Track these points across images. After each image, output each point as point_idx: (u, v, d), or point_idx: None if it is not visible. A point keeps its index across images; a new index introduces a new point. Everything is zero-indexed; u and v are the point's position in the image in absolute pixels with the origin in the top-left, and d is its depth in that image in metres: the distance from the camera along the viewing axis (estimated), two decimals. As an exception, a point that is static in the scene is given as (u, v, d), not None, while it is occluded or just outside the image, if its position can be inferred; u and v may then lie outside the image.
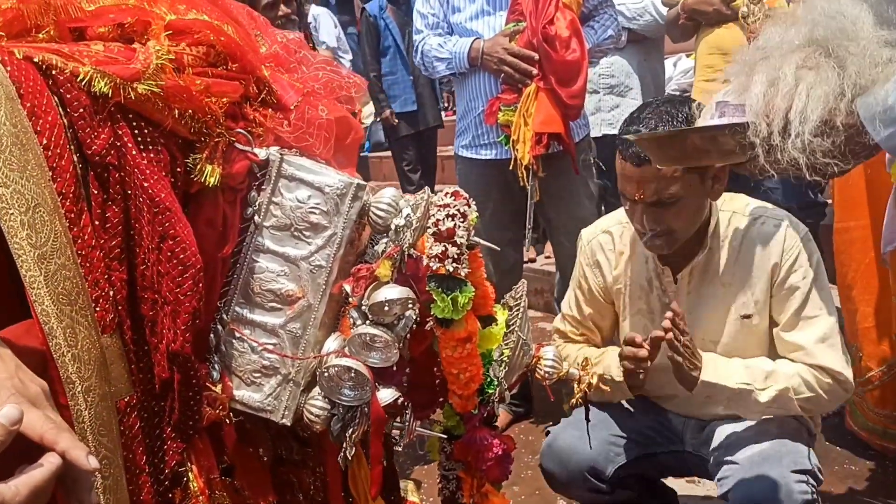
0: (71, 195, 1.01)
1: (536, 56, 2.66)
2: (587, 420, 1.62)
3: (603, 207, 3.71)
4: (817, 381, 1.80)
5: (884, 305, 2.42)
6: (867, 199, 2.39)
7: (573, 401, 1.46)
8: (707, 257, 1.89)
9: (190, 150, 1.17)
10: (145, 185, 1.09)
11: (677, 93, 5.36)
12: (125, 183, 1.08)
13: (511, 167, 2.76)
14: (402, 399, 1.24)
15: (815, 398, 1.80)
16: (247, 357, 1.24)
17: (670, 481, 2.36)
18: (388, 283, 1.21)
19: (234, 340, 1.23)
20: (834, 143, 1.11)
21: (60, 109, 1.03)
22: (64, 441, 0.80)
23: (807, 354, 1.81)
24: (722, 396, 1.83)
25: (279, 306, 1.23)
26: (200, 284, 1.12)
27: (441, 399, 1.40)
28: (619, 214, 2.03)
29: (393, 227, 1.23)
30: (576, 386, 1.44)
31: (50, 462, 0.78)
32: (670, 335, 1.71)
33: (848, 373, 1.81)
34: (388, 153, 7.06)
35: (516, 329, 1.32)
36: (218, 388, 1.21)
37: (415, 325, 1.26)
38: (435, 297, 1.23)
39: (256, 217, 1.22)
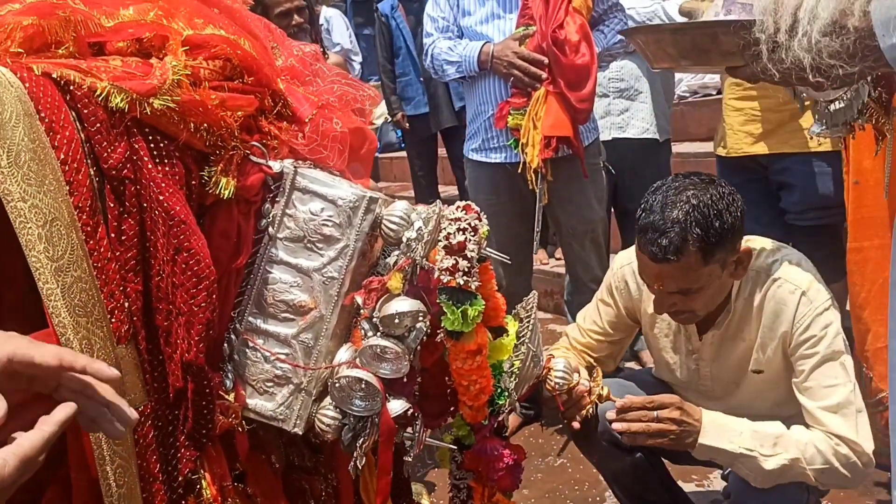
0: (87, 209, 1.03)
1: (546, 60, 2.65)
2: (595, 429, 1.61)
3: (612, 210, 3.69)
4: (833, 451, 1.72)
5: (896, 326, 2.38)
6: (882, 219, 2.36)
7: (584, 412, 1.45)
8: (730, 317, 1.87)
9: (205, 163, 1.18)
10: (160, 198, 1.10)
11: (687, 95, 5.29)
12: (141, 196, 1.10)
13: (520, 170, 2.75)
14: (412, 410, 1.24)
15: (829, 470, 1.72)
16: (260, 366, 1.25)
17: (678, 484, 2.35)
18: (399, 295, 1.22)
19: (247, 350, 1.25)
20: (842, 43, 1.06)
21: (78, 124, 1.05)
22: (82, 359, 0.81)
23: (817, 421, 1.76)
24: (725, 459, 1.78)
25: (292, 317, 1.24)
26: (214, 296, 1.13)
27: (452, 409, 1.40)
28: None
29: (405, 239, 1.23)
30: (586, 397, 1.43)
31: (42, 430, 0.78)
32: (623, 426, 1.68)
33: (865, 444, 1.73)
34: (400, 154, 6.99)
35: (527, 341, 1.32)
36: (231, 397, 1.22)
37: (425, 337, 1.26)
38: (445, 310, 1.24)
39: (270, 229, 1.23)
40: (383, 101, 5.58)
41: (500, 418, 1.34)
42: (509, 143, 2.83)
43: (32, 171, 0.96)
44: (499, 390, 1.31)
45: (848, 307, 2.46)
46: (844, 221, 2.62)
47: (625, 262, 2.05)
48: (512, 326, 1.38)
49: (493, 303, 1.33)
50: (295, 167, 1.23)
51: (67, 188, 1.01)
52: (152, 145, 1.11)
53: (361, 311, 1.25)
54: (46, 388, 0.81)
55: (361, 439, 1.24)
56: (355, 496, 1.44)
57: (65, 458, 1.07)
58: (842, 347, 1.74)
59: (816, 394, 1.74)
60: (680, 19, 3.24)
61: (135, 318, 1.10)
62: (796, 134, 2.84)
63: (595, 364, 2.06)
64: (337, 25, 6.03)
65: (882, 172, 2.03)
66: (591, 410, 1.46)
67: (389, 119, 6.05)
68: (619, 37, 2.92)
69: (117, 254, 1.08)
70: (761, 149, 2.91)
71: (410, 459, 1.29)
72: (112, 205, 1.08)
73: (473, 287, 1.23)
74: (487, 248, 1.30)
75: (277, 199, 1.23)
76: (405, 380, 1.26)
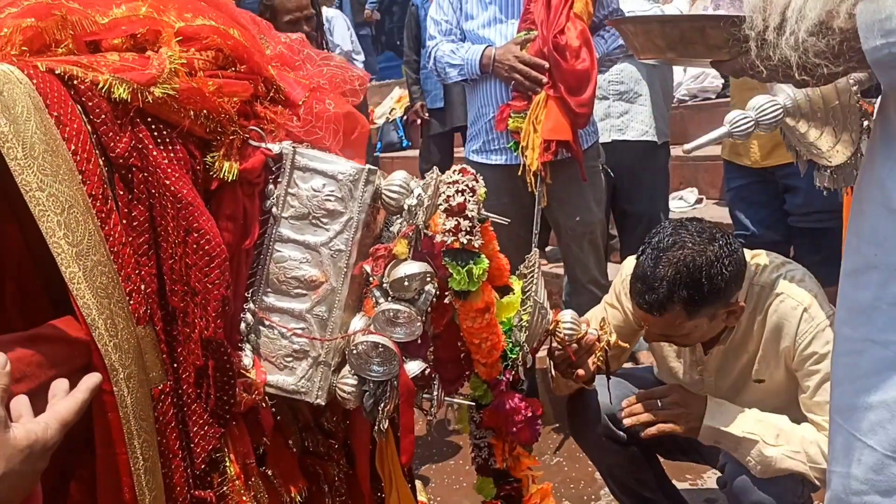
0: (100, 196, 1.07)
1: (547, 65, 2.72)
2: (608, 377, 1.65)
3: (611, 213, 3.75)
4: None
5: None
6: None
7: (595, 360, 1.49)
8: (734, 333, 1.92)
9: (207, 149, 1.22)
10: (167, 182, 1.14)
11: (686, 98, 5.31)
12: (148, 182, 1.14)
13: (520, 173, 2.81)
14: (428, 370, 1.28)
15: None
16: (278, 343, 1.28)
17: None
18: (405, 259, 1.25)
19: (263, 328, 1.28)
20: (828, 44, 1.09)
21: (84, 117, 1.09)
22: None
23: (822, 430, 1.78)
24: (729, 443, 1.82)
25: (304, 292, 1.28)
26: (227, 273, 1.17)
27: (467, 372, 1.44)
28: None
29: (406, 206, 1.27)
30: (596, 344, 1.47)
31: (75, 396, 0.83)
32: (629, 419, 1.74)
33: None
34: (400, 153, 7.01)
35: (532, 294, 1.36)
36: (252, 374, 1.25)
37: (435, 300, 1.29)
38: (451, 271, 1.28)
39: (275, 209, 1.27)
40: (386, 100, 5.56)
41: (514, 372, 1.37)
42: (510, 146, 2.88)
43: (47, 163, 1.00)
44: (510, 345, 1.35)
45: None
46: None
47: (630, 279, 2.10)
48: (517, 285, 1.42)
49: (497, 263, 1.38)
50: (293, 147, 1.27)
51: (80, 177, 1.04)
52: (155, 133, 1.15)
53: (371, 279, 1.28)
54: None
55: (383, 403, 1.28)
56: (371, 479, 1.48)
57: (89, 442, 1.10)
58: None
59: (823, 408, 1.76)
60: None
61: (150, 301, 1.14)
62: None
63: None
64: (338, 26, 6.03)
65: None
66: (601, 358, 1.50)
67: (390, 118, 6.02)
68: (620, 42, 2.98)
69: (130, 239, 1.12)
70: (776, 160, 3.02)
71: (433, 419, 1.32)
72: (122, 192, 1.12)
73: (476, 246, 1.28)
74: (486, 212, 1.34)
75: (279, 179, 1.27)
76: (419, 342, 1.29)
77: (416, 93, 5.43)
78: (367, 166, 1.27)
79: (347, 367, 1.29)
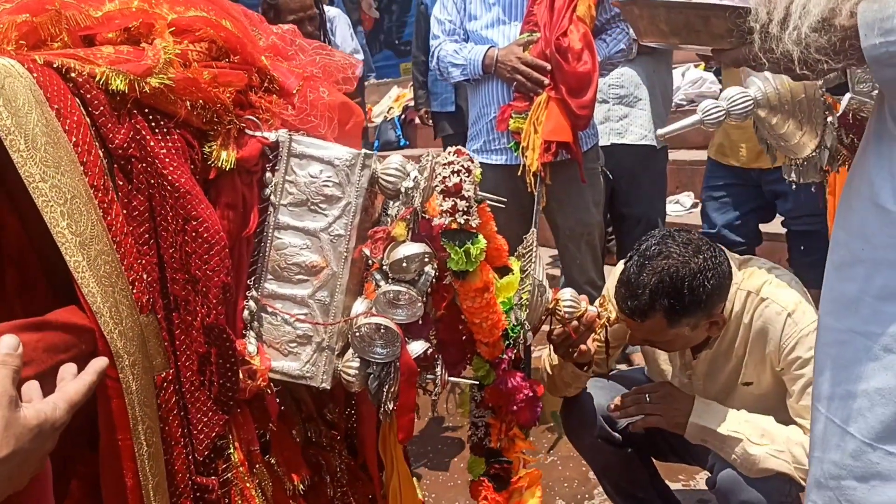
0: (102, 187, 1.09)
1: (549, 66, 2.76)
2: (607, 354, 1.67)
3: (608, 215, 3.80)
4: None
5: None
6: None
7: (596, 335, 1.52)
8: (720, 337, 1.96)
9: (204, 140, 1.24)
10: (165, 172, 1.16)
11: (685, 103, 5.33)
12: (147, 173, 1.16)
13: (520, 173, 2.85)
14: (431, 350, 1.30)
15: None
16: (281, 329, 1.30)
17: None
18: (404, 241, 1.27)
19: (267, 315, 1.30)
20: (829, 40, 1.11)
21: (83, 109, 1.10)
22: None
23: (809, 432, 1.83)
24: (714, 441, 1.86)
25: (306, 278, 1.30)
26: (227, 260, 1.19)
27: (470, 355, 1.46)
28: None
29: (403, 189, 1.29)
30: (597, 321, 1.49)
31: (83, 378, 0.85)
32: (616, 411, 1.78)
33: None
34: (398, 152, 7.06)
35: (531, 272, 1.38)
36: (256, 361, 1.27)
37: (435, 281, 1.31)
38: (449, 251, 1.30)
39: (273, 197, 1.29)
40: (384, 98, 5.52)
41: (516, 351, 1.39)
42: (510, 146, 2.92)
43: (49, 154, 1.02)
44: (511, 324, 1.37)
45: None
46: None
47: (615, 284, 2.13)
48: (516, 265, 1.44)
49: (495, 243, 1.40)
50: (289, 135, 1.29)
51: (82, 168, 1.06)
52: (153, 124, 1.17)
53: (371, 262, 1.30)
54: None
55: (387, 385, 1.30)
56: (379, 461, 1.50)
57: (91, 440, 1.11)
58: None
59: (809, 412, 1.79)
60: None
61: (153, 290, 1.16)
62: None
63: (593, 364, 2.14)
64: (340, 26, 6.01)
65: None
66: (602, 335, 1.53)
67: (388, 117, 5.99)
68: (621, 46, 3.04)
69: (131, 229, 1.14)
70: (764, 163, 3.08)
71: (436, 398, 1.34)
72: (121, 182, 1.14)
73: (474, 225, 1.30)
74: (482, 193, 1.36)
75: (277, 167, 1.30)
76: (421, 323, 1.31)
77: (421, 97, 5.41)
78: (363, 151, 1.30)
79: (351, 351, 1.31)
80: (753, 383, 1.94)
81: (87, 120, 1.11)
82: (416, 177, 1.30)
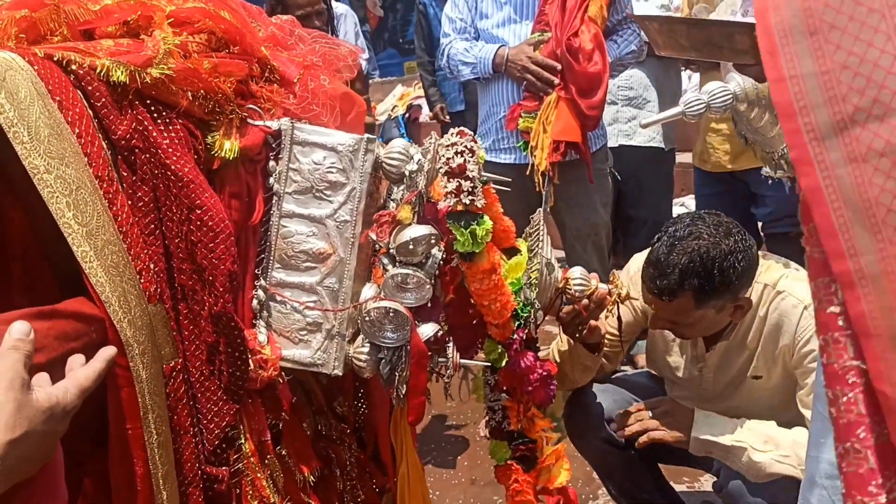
0: (106, 178, 1.10)
1: (559, 66, 2.79)
2: (619, 334, 1.67)
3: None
4: None
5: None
6: None
7: (607, 312, 1.52)
8: (736, 329, 1.96)
9: (207, 130, 1.24)
10: (168, 162, 1.17)
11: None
12: (151, 163, 1.17)
13: (528, 172, 2.87)
14: (442, 333, 1.30)
15: None
16: (291, 317, 1.31)
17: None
18: (410, 224, 1.28)
19: (276, 304, 1.31)
20: None
21: (84, 101, 1.11)
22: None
23: None
24: (719, 452, 1.86)
25: (314, 265, 1.30)
26: (232, 248, 1.20)
27: (480, 339, 1.46)
28: None
29: (407, 173, 1.30)
30: (608, 298, 1.50)
31: (93, 365, 0.87)
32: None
33: None
34: (403, 148, 7.03)
35: (539, 251, 1.38)
36: (267, 350, 1.27)
37: (442, 264, 1.31)
38: (455, 233, 1.30)
39: (277, 185, 1.30)
40: (388, 97, 5.49)
41: (527, 330, 1.39)
42: (519, 145, 2.95)
43: (53, 146, 1.03)
44: (521, 304, 1.37)
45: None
46: None
47: (640, 262, 2.13)
48: (523, 246, 1.44)
49: (502, 225, 1.40)
50: (292, 123, 1.30)
51: (86, 160, 1.07)
52: (155, 115, 1.18)
53: (378, 247, 1.31)
54: None
55: (399, 369, 1.30)
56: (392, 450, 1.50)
57: (101, 438, 1.12)
58: None
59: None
60: None
61: (160, 280, 1.16)
62: None
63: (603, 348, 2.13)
64: (346, 24, 6.01)
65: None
66: (614, 311, 1.53)
67: (392, 115, 5.97)
68: (632, 48, 3.07)
69: (136, 219, 1.15)
70: (739, 165, 3.21)
71: (449, 381, 1.35)
72: (125, 174, 1.15)
73: (479, 206, 1.30)
74: (486, 174, 1.36)
75: (280, 155, 1.30)
76: (430, 306, 1.31)
77: (434, 95, 5.38)
78: (366, 136, 1.30)
79: (362, 337, 1.32)
80: (763, 377, 1.94)
81: (90, 112, 1.12)
82: (419, 160, 1.31)
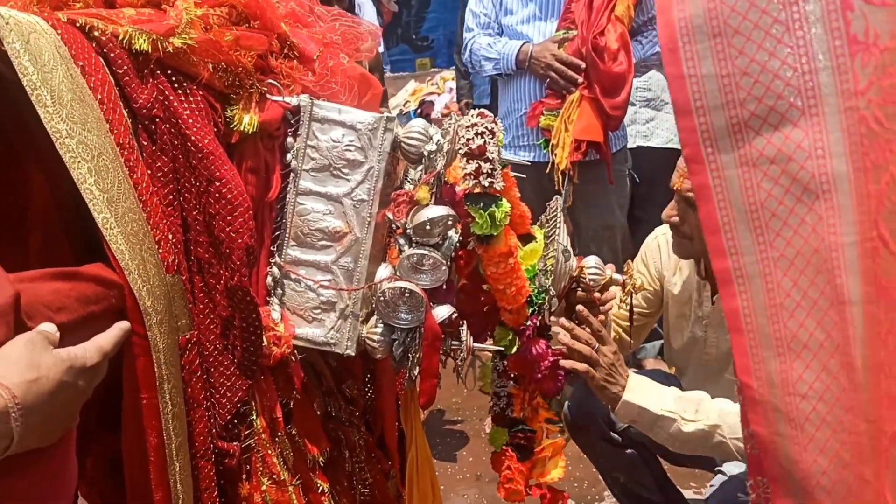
0: (127, 146, 1.10)
1: (583, 65, 2.80)
2: (631, 321, 1.67)
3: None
4: None
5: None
6: None
7: (621, 298, 1.52)
8: None
9: (227, 103, 1.24)
10: (188, 133, 1.18)
11: None
12: (171, 134, 1.17)
13: (548, 170, 2.88)
14: (456, 315, 1.30)
15: None
16: (305, 295, 1.31)
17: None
18: (427, 205, 1.28)
19: (290, 281, 1.31)
20: None
21: (107, 68, 1.11)
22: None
23: None
24: (645, 421, 1.79)
25: (329, 244, 1.30)
26: (250, 222, 1.20)
27: (491, 326, 1.47)
28: None
29: (426, 153, 1.30)
30: (620, 289, 1.50)
31: (114, 331, 0.87)
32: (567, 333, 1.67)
33: None
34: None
35: (556, 238, 1.38)
36: (280, 328, 1.27)
37: (458, 246, 1.31)
38: (473, 215, 1.31)
39: (294, 162, 1.30)
40: (400, 92, 5.44)
41: (541, 317, 1.39)
42: (539, 143, 2.97)
43: (75, 111, 1.03)
44: (536, 290, 1.38)
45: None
46: None
47: (660, 233, 2.19)
48: (539, 233, 1.44)
49: (518, 210, 1.41)
50: (311, 100, 1.30)
51: (107, 126, 1.07)
52: (176, 85, 1.19)
53: (394, 227, 1.31)
54: None
55: (412, 351, 1.30)
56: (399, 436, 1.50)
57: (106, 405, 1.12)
58: None
59: None
60: None
61: (177, 251, 1.16)
62: None
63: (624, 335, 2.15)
64: (367, 13, 5.98)
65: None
66: (628, 302, 1.53)
67: (404, 111, 5.94)
68: (657, 49, 3.07)
69: (155, 189, 1.15)
70: None
71: (461, 364, 1.35)
72: (146, 143, 1.16)
73: (498, 188, 1.30)
74: (505, 156, 1.36)
75: (298, 132, 1.30)
76: (445, 288, 1.32)
77: (463, 88, 5.35)
78: (385, 114, 1.30)
79: (375, 317, 1.32)
80: None
81: (111, 79, 1.12)
82: (438, 140, 1.31)
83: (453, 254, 1.32)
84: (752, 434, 0.84)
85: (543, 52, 2.86)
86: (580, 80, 2.80)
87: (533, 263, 1.41)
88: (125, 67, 1.13)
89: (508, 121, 3.10)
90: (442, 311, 1.31)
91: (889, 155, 0.74)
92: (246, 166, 1.27)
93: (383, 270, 1.33)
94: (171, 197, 1.17)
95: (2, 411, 0.71)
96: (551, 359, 1.40)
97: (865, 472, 0.79)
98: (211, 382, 1.21)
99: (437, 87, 7.14)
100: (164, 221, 1.14)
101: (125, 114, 1.12)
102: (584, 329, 1.58)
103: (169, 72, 1.18)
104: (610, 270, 1.49)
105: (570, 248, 1.44)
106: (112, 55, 1.12)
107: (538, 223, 1.51)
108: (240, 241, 1.19)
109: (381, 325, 1.31)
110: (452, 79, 7.04)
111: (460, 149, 1.32)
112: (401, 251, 1.31)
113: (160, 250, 1.11)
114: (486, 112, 1.34)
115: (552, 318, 1.60)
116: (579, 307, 1.57)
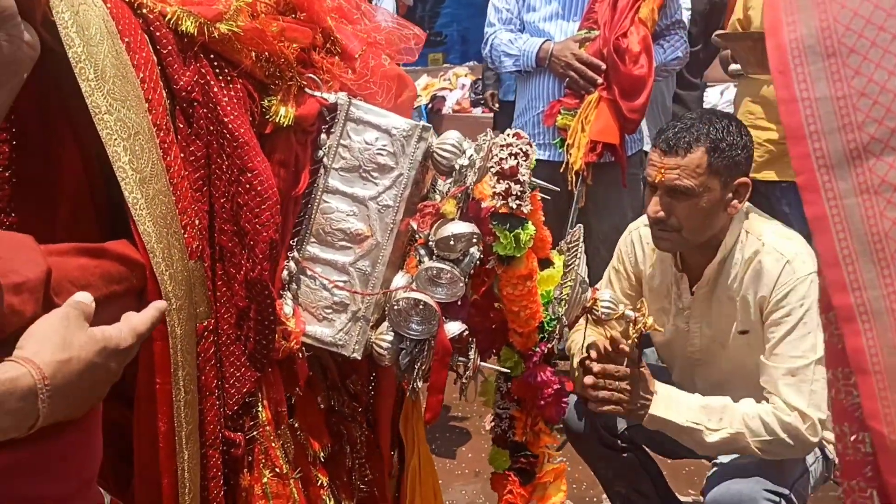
0: (164, 127, 1.10)
1: (604, 66, 2.79)
2: (639, 358, 1.68)
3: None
4: (780, 422, 1.80)
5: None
6: None
7: (629, 342, 1.53)
8: (718, 270, 1.98)
9: (265, 93, 1.24)
10: (225, 120, 1.17)
11: None
12: (208, 119, 1.17)
13: (562, 170, 2.88)
14: (467, 332, 1.30)
15: (775, 441, 1.80)
16: (319, 294, 1.31)
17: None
18: (453, 219, 1.28)
19: (306, 278, 1.31)
20: None
21: (151, 46, 1.11)
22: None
23: (774, 387, 1.84)
24: (671, 430, 1.88)
25: (349, 245, 1.31)
26: (277, 216, 1.21)
27: (498, 344, 1.47)
28: None
29: (457, 167, 1.30)
30: (631, 327, 1.50)
31: (148, 312, 0.90)
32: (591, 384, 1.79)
33: (816, 413, 1.80)
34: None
35: (574, 268, 1.38)
36: (291, 323, 1.28)
37: (478, 263, 1.32)
38: (498, 234, 1.31)
39: (326, 159, 1.30)
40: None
41: (549, 345, 1.40)
42: (555, 142, 2.96)
43: (117, 87, 1.03)
44: (548, 317, 1.38)
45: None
46: None
47: (633, 228, 2.22)
48: (557, 259, 1.45)
49: (541, 234, 1.41)
50: (349, 99, 1.29)
51: (146, 105, 1.07)
52: (217, 70, 1.19)
53: (416, 236, 1.31)
54: None
55: (419, 363, 1.31)
56: (392, 439, 1.51)
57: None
58: (815, 323, 1.82)
59: (782, 361, 1.84)
60: None
61: (202, 237, 1.16)
62: None
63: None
64: (386, 3, 5.94)
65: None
66: (636, 339, 1.54)
67: (415, 105, 5.93)
68: (678, 54, 3.07)
69: (186, 173, 1.15)
70: (763, 176, 3.18)
71: (466, 381, 1.35)
72: (182, 126, 1.16)
73: (526, 211, 1.30)
74: (535, 179, 1.36)
75: (332, 130, 1.31)
76: (459, 304, 1.32)
77: (489, 78, 5.32)
78: (422, 123, 1.31)
79: (386, 324, 1.33)
80: (749, 332, 1.96)
81: (155, 58, 1.12)
82: (471, 155, 1.31)
83: (472, 270, 1.33)
84: (884, 483, 0.79)
85: (564, 50, 2.85)
86: (600, 80, 2.80)
87: (549, 290, 1.41)
88: (169, 48, 1.12)
89: (525, 118, 3.10)
90: (453, 327, 1.31)
91: None
92: (276, 158, 1.27)
93: (400, 279, 1.33)
94: (200, 182, 1.17)
95: (31, 391, 0.71)
96: (556, 387, 1.41)
97: None
98: (221, 372, 1.22)
99: (450, 82, 7.13)
100: (192, 206, 1.14)
101: (164, 94, 1.12)
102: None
103: (212, 56, 1.18)
104: (622, 306, 1.50)
105: (587, 280, 1.44)
106: (158, 34, 1.12)
107: (558, 248, 1.51)
108: (265, 234, 1.19)
109: (391, 333, 1.32)
110: (465, 75, 7.06)
111: (492, 167, 1.32)
112: (420, 262, 1.32)
113: (185, 235, 1.12)
114: (523, 133, 1.34)
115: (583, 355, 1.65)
116: (616, 336, 1.61)
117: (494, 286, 1.41)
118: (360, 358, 1.33)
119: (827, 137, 0.75)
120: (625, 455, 2.20)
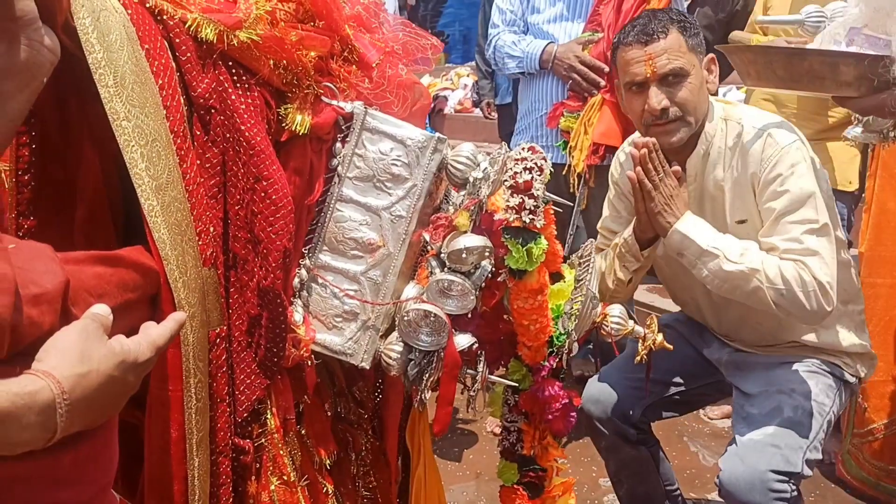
0: (181, 134, 1.11)
1: (607, 68, 2.79)
2: (647, 378, 1.68)
3: None
4: (798, 278, 1.75)
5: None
6: None
7: (638, 358, 1.53)
8: (703, 162, 1.97)
9: (281, 101, 1.25)
10: (242, 128, 1.18)
11: None
12: (225, 126, 1.18)
13: (564, 172, 2.88)
14: (476, 345, 1.31)
15: (788, 294, 1.75)
16: (329, 302, 1.32)
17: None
18: (465, 232, 1.29)
19: (317, 286, 1.32)
20: None
21: (170, 53, 1.12)
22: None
23: (791, 242, 1.80)
24: (691, 254, 1.85)
25: (361, 254, 1.31)
26: (291, 225, 1.21)
27: (506, 357, 1.47)
28: None
29: (471, 179, 1.31)
30: (640, 343, 1.51)
31: (167, 325, 0.89)
32: (644, 151, 1.82)
33: (826, 278, 1.75)
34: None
35: (586, 283, 1.39)
36: (301, 331, 1.29)
37: (489, 276, 1.32)
38: (510, 248, 1.32)
39: (340, 168, 1.31)
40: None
41: (558, 360, 1.40)
42: (558, 145, 2.95)
43: (135, 94, 1.04)
44: (558, 332, 1.39)
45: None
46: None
47: (618, 153, 2.25)
48: (569, 273, 1.45)
49: (553, 248, 1.41)
50: (365, 108, 1.30)
51: (164, 112, 1.08)
52: (235, 78, 1.20)
53: (429, 248, 1.32)
54: None
55: (427, 374, 1.32)
56: (399, 447, 1.51)
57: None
58: (812, 185, 1.81)
59: (786, 231, 1.81)
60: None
61: (216, 244, 1.18)
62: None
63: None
64: (389, 2, 5.96)
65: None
66: (644, 357, 1.54)
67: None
68: None
69: (202, 180, 1.16)
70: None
71: (474, 395, 1.36)
72: (199, 132, 1.17)
73: (539, 226, 1.31)
74: (548, 193, 1.37)
75: (348, 139, 1.32)
76: (469, 317, 1.33)
77: (484, 88, 5.29)
78: (437, 135, 1.31)
79: (395, 334, 1.33)
80: (748, 220, 1.94)
81: (174, 64, 1.13)
82: (486, 168, 1.32)
83: (483, 283, 1.33)
84: None
85: (567, 53, 2.85)
86: (603, 83, 2.79)
87: (559, 304, 1.42)
88: (189, 54, 1.14)
89: (527, 120, 3.09)
90: (463, 340, 1.32)
91: None
92: (292, 166, 1.28)
93: (411, 290, 1.34)
94: (215, 189, 1.18)
95: (49, 405, 0.72)
96: (564, 401, 1.41)
97: None
98: (233, 379, 1.23)
99: (452, 82, 7.15)
100: (207, 214, 1.15)
101: (182, 101, 1.13)
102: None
103: (230, 64, 1.19)
104: (632, 323, 1.50)
105: (598, 295, 1.45)
106: (177, 40, 1.13)
107: (569, 262, 1.52)
108: (279, 242, 1.20)
109: (400, 344, 1.33)
110: (467, 75, 7.06)
111: (506, 181, 1.33)
112: (431, 273, 1.32)
113: (200, 242, 1.13)
114: (537, 147, 1.35)
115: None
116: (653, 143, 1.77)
117: (505, 298, 1.41)
118: (368, 367, 1.34)
119: None
120: (637, 447, 2.18)
